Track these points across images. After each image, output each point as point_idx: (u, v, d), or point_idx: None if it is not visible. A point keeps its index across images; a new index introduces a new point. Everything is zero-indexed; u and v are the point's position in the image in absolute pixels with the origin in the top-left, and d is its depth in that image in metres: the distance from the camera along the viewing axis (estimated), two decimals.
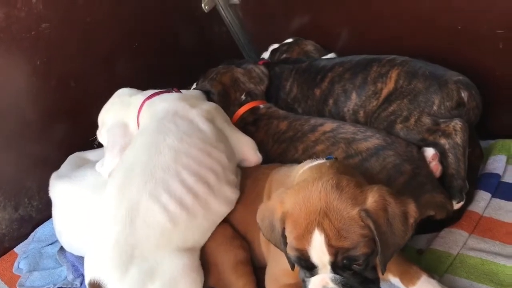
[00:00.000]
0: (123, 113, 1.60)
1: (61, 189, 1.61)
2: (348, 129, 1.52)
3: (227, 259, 1.32)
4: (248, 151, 1.56)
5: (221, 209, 1.36)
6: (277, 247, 1.09)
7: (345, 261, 0.97)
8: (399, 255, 1.23)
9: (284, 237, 1.03)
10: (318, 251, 0.97)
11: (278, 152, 1.64)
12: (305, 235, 0.97)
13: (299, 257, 1.00)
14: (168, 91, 1.61)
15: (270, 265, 1.26)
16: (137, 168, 1.32)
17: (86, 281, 1.27)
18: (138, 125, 1.56)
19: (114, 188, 1.32)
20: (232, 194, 1.40)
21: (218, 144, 1.43)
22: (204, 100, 1.65)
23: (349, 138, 1.49)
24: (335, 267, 0.98)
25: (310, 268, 1.01)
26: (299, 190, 1.02)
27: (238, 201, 1.42)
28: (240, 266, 1.31)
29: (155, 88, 1.70)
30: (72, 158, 1.80)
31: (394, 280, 1.20)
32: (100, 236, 1.28)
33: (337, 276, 0.99)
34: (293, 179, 1.18)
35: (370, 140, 1.46)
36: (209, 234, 1.36)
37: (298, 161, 1.50)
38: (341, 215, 0.96)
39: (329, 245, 0.96)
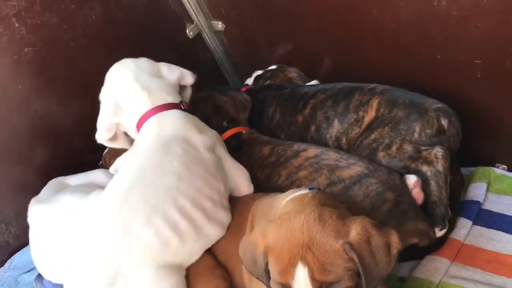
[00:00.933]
0: (120, 94, 1.56)
1: (40, 215, 1.58)
2: (331, 156, 1.52)
3: None
4: (242, 182, 1.55)
5: (214, 233, 1.36)
6: (260, 281, 1.07)
7: None
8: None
9: (267, 271, 1.02)
10: (302, 285, 0.95)
11: (261, 178, 1.64)
12: (289, 269, 0.96)
13: None
14: (178, 107, 1.55)
15: None
16: (138, 187, 1.31)
17: None
18: (137, 129, 1.52)
19: (112, 205, 1.31)
20: (225, 217, 1.40)
21: (217, 173, 1.44)
22: (206, 126, 1.61)
23: (332, 164, 1.49)
24: None
25: None
26: (281, 223, 1.01)
27: None
28: None
29: None
30: (51, 184, 1.77)
31: None
32: (87, 251, 1.27)
33: None
34: (276, 210, 1.18)
35: (353, 168, 1.46)
36: (198, 255, 1.35)
37: (282, 187, 1.51)
38: (325, 248, 0.96)
39: (313, 279, 0.94)
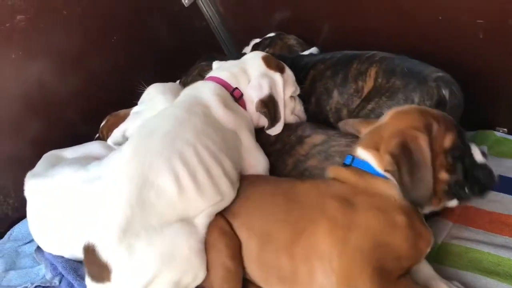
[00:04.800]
0: None
1: (37, 188, 1.56)
2: (340, 142, 1.45)
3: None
4: (258, 172, 1.49)
5: (229, 193, 1.33)
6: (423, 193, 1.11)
7: None
8: None
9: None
10: None
11: None
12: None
13: (459, 132, 1.16)
14: (229, 88, 1.54)
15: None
16: (157, 134, 1.31)
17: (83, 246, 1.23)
18: None
19: (128, 149, 1.29)
20: (236, 185, 1.38)
21: (232, 147, 1.42)
22: (241, 114, 1.56)
23: (343, 150, 1.41)
24: None
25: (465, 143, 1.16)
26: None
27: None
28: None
29: (133, 85, 1.69)
30: (47, 157, 1.75)
31: None
32: (104, 200, 1.24)
33: None
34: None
35: None
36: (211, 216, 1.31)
37: (290, 177, 1.46)
38: None
39: None
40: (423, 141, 1.11)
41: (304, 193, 1.25)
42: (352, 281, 1.05)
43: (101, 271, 1.17)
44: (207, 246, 1.25)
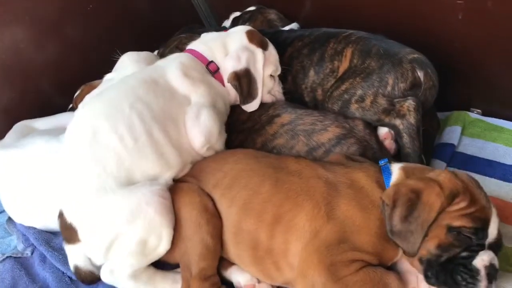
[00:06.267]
0: None
1: (7, 159, 1.53)
2: (306, 120, 1.46)
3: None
4: (195, 135, 1.39)
5: (175, 160, 1.35)
6: (402, 240, 1.06)
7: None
8: None
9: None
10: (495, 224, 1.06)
11: (236, 143, 1.55)
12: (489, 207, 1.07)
13: (477, 229, 1.04)
14: (202, 59, 1.52)
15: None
16: (104, 97, 1.36)
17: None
18: None
19: (79, 112, 1.35)
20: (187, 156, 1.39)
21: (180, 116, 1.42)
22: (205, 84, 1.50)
23: (308, 129, 1.44)
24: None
25: (480, 244, 1.05)
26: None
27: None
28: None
29: (110, 55, 1.67)
30: (17, 127, 1.71)
31: None
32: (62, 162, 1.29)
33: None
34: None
35: (330, 130, 1.42)
36: (163, 181, 1.32)
37: None
38: None
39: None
40: (436, 203, 1.05)
41: (296, 173, 1.25)
42: (309, 269, 1.09)
43: (71, 233, 1.23)
44: (187, 220, 1.25)
